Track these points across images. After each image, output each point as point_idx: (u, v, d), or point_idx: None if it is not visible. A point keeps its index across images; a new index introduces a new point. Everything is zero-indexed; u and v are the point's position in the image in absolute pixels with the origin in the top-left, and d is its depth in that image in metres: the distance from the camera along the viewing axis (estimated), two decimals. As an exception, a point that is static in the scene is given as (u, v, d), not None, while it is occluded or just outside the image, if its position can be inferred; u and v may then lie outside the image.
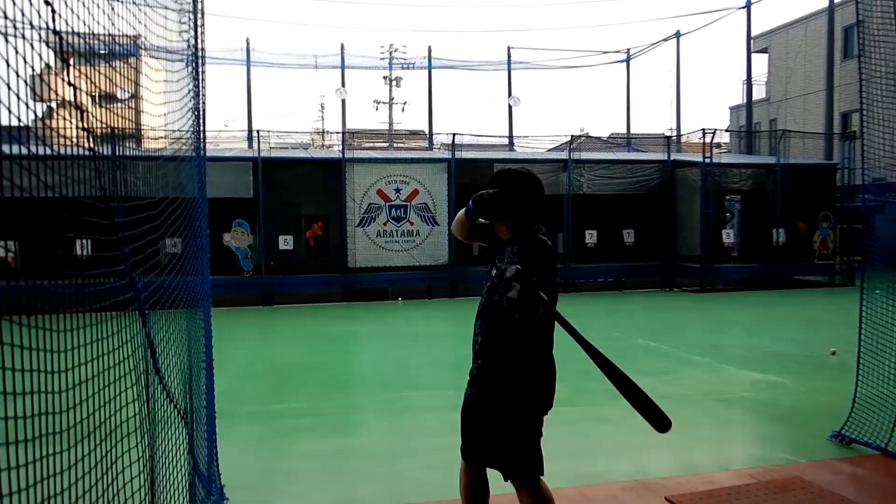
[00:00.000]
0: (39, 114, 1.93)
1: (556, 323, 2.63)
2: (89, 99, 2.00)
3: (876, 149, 4.85)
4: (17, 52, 1.61)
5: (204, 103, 3.60)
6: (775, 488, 3.97)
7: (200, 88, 3.50)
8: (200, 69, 3.49)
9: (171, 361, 2.75)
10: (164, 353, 2.58)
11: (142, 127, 2.84)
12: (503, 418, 2.65)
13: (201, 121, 3.58)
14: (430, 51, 24.85)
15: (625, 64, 27.14)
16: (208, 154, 4.21)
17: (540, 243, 2.62)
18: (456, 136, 15.18)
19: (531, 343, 2.66)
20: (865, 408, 4.78)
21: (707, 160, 15.55)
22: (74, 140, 1.90)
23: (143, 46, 2.64)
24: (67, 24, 1.83)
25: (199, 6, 3.40)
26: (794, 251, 16.27)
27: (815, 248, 16.55)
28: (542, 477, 2.73)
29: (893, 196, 5.58)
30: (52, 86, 1.86)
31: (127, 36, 2.30)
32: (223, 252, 13.60)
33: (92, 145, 1.92)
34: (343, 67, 24.61)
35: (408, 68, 28.02)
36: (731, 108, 32.23)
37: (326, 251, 14.69)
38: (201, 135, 3.63)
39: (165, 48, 2.88)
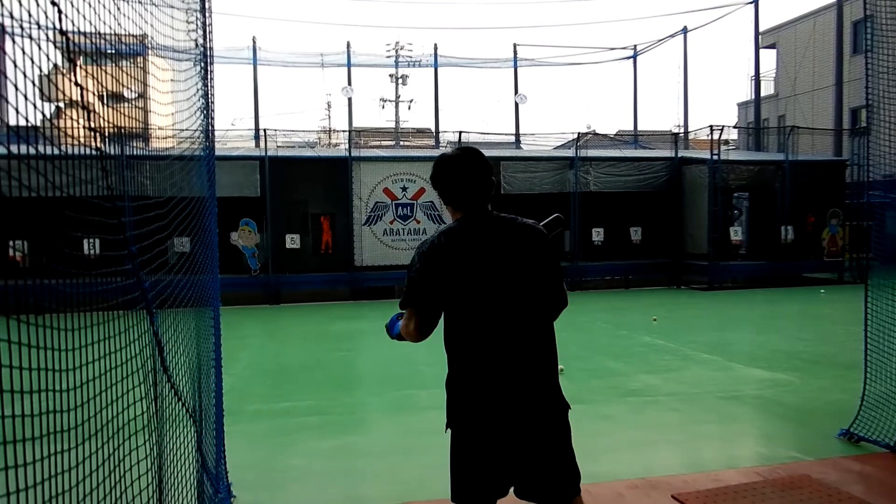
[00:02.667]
0: (47, 114, 1.95)
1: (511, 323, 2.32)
2: (96, 99, 2.01)
3: (883, 145, 4.82)
4: (24, 53, 1.62)
5: (213, 103, 3.61)
6: (783, 486, 3.96)
7: (209, 88, 3.51)
8: (209, 68, 3.50)
9: (181, 360, 2.76)
10: (172, 352, 2.59)
11: (149, 126, 2.86)
12: (488, 436, 2.32)
13: (210, 120, 3.59)
14: (436, 48, 24.83)
15: (631, 60, 27.04)
16: (216, 153, 4.22)
17: (443, 236, 2.36)
18: (462, 134, 15.21)
19: (466, 341, 2.35)
20: (874, 406, 4.76)
21: (715, 157, 15.49)
22: (82, 140, 1.91)
23: (149, 46, 2.65)
24: (74, 25, 1.84)
25: (207, 5, 3.41)
26: (803, 248, 16.19)
27: (824, 246, 16.46)
28: None
29: (903, 193, 5.55)
30: (60, 86, 1.88)
31: (133, 35, 2.31)
32: (230, 251, 13.67)
33: (99, 145, 1.94)
34: (349, 66, 24.64)
35: (414, 66, 28.03)
36: (739, 105, 32.07)
37: (333, 250, 14.73)
38: (210, 134, 3.64)
39: (173, 47, 2.89)
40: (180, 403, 2.72)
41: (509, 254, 2.33)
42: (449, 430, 2.41)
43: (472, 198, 2.39)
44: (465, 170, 2.41)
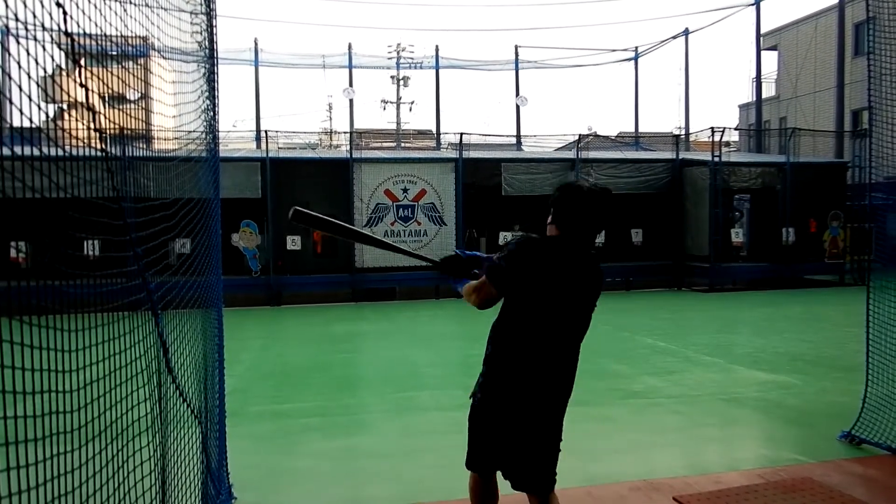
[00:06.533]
0: (51, 115, 1.95)
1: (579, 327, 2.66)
2: (100, 100, 2.01)
3: (885, 147, 4.81)
4: (28, 54, 1.63)
5: (217, 104, 3.61)
6: (785, 489, 3.95)
7: (215, 90, 3.51)
8: (215, 70, 3.50)
9: (186, 361, 2.76)
10: (177, 353, 2.59)
11: (154, 128, 2.86)
12: (502, 421, 2.63)
13: (215, 122, 3.59)
14: (437, 50, 24.85)
15: (633, 62, 27.04)
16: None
17: (547, 241, 2.64)
18: (464, 136, 15.18)
19: (516, 341, 2.61)
20: (876, 408, 4.75)
21: (716, 159, 15.48)
22: (86, 141, 1.91)
23: (154, 47, 2.66)
24: (79, 26, 1.84)
25: (212, 7, 3.41)
26: (804, 250, 16.18)
27: (826, 248, 16.46)
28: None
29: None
30: (64, 87, 1.88)
31: (138, 37, 2.31)
32: (231, 252, 13.66)
33: (103, 146, 1.94)
34: (351, 67, 24.65)
35: (415, 68, 28.03)
36: (741, 107, 32.08)
37: (334, 251, 14.73)
38: (215, 136, 3.64)
39: (178, 49, 2.90)
40: (185, 405, 2.72)
41: (585, 287, 2.66)
42: (474, 399, 2.72)
43: (587, 235, 2.68)
44: (597, 213, 2.67)
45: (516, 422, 2.61)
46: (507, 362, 2.61)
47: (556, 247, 2.63)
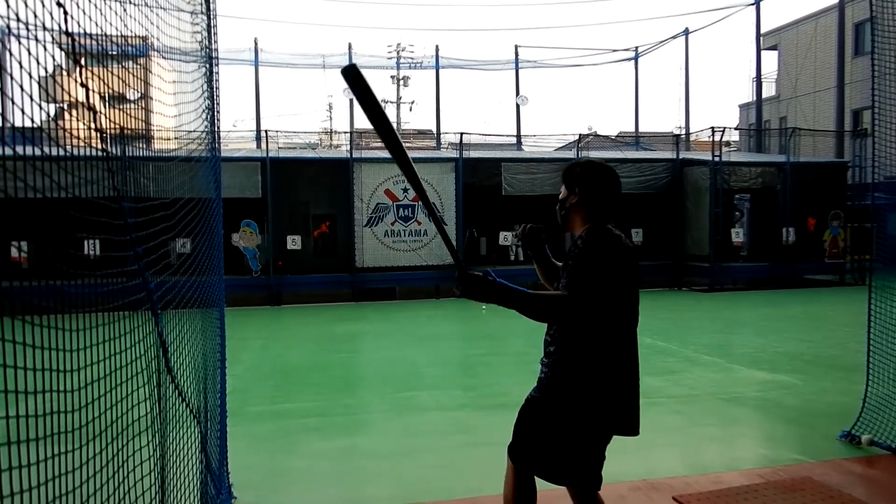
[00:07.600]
0: (52, 115, 1.95)
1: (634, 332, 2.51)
2: (100, 100, 2.01)
3: (888, 146, 4.81)
4: (29, 54, 1.63)
5: (218, 104, 3.62)
6: (784, 488, 3.95)
7: (214, 90, 3.51)
8: (215, 70, 3.50)
9: (185, 361, 2.76)
10: (177, 353, 2.59)
11: (154, 128, 2.86)
12: (564, 432, 2.45)
13: (215, 122, 3.59)
14: (437, 50, 24.85)
15: (633, 62, 27.05)
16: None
17: (610, 234, 2.44)
18: (464, 136, 15.19)
19: (611, 348, 2.43)
20: (876, 408, 4.75)
21: (716, 159, 15.48)
22: (87, 141, 1.91)
23: (154, 47, 2.66)
24: (79, 26, 1.85)
25: (212, 7, 3.41)
26: (804, 250, 16.18)
27: (826, 248, 16.46)
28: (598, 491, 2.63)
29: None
30: (65, 87, 1.88)
31: (138, 37, 2.31)
32: (231, 252, 13.66)
33: (104, 146, 1.94)
34: (351, 67, 24.61)
35: (415, 68, 28.04)
36: (741, 106, 32.08)
37: (334, 251, 14.73)
38: (215, 135, 3.64)
39: (178, 49, 2.89)
40: (184, 405, 2.72)
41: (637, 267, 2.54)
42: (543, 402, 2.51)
43: (614, 211, 2.56)
44: (619, 184, 2.61)
45: (584, 434, 2.47)
46: (619, 371, 2.45)
47: (619, 236, 2.46)
